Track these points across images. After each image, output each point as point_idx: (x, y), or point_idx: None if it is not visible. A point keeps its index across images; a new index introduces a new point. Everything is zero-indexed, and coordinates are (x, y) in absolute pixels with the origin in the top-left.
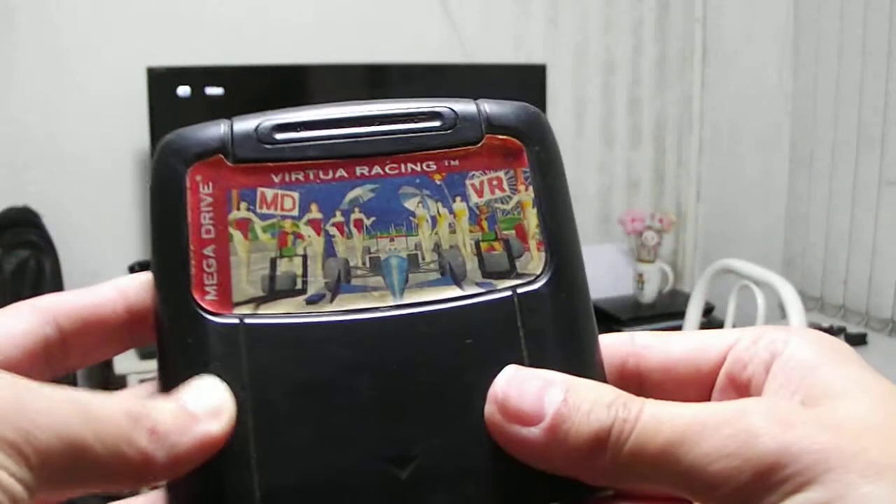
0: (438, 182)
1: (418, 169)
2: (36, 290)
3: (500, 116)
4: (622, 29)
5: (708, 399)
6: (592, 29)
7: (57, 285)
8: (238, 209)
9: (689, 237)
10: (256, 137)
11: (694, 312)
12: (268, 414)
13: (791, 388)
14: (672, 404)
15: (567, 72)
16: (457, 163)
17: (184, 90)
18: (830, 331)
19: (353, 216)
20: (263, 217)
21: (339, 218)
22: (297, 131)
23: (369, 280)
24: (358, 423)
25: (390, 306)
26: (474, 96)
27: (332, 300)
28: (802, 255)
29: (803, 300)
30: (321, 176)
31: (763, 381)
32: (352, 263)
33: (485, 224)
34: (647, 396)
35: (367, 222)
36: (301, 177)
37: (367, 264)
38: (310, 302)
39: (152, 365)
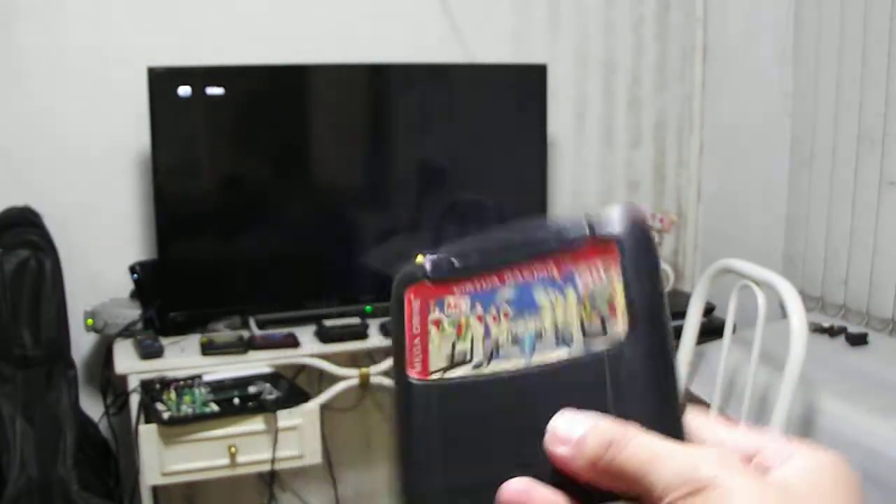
0: (557, 279)
1: (544, 273)
2: (36, 289)
3: (598, 225)
4: (622, 29)
5: None
6: (593, 29)
7: (57, 285)
8: (433, 312)
9: (690, 237)
10: (442, 265)
11: (694, 312)
12: (450, 435)
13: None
14: (652, 438)
15: (567, 72)
16: (569, 263)
17: (184, 90)
18: (831, 330)
19: (503, 309)
20: (448, 315)
21: (493, 311)
22: (466, 257)
23: (511, 351)
24: (503, 441)
25: (524, 367)
26: (475, 96)
27: (488, 365)
28: (803, 254)
29: (804, 300)
30: (482, 285)
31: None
32: (500, 341)
33: (587, 304)
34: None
35: (511, 312)
36: (469, 287)
37: (511, 340)
38: (475, 367)
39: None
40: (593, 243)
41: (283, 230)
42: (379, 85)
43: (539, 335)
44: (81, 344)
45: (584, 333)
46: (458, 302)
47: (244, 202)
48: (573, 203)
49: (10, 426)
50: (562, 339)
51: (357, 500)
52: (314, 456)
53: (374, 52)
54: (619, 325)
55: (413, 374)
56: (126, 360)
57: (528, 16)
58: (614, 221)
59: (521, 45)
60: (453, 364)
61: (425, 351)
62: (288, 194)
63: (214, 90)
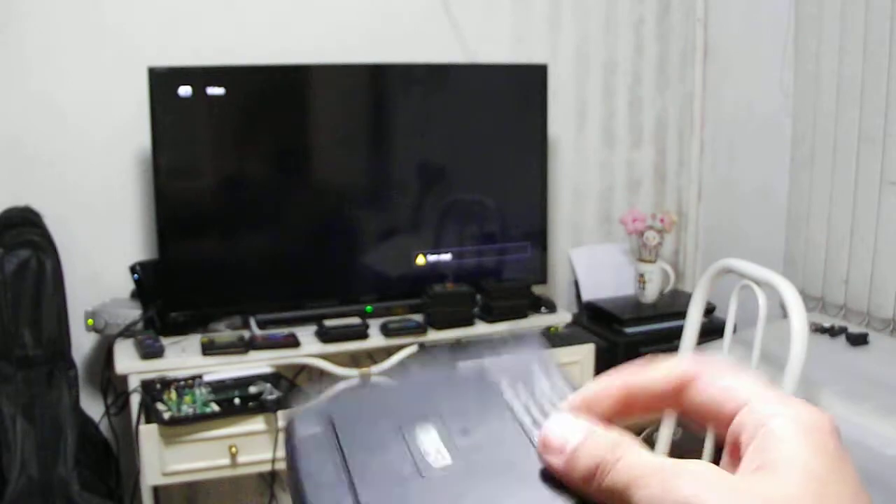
0: None
1: None
2: (37, 289)
3: None
4: (623, 28)
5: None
6: (593, 29)
7: (58, 285)
8: None
9: (691, 237)
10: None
11: (695, 312)
12: None
13: (753, 460)
14: (640, 456)
15: (568, 72)
16: None
17: (185, 90)
18: (832, 330)
19: None
20: None
21: None
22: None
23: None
24: None
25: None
26: (475, 96)
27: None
28: (803, 254)
29: (804, 300)
30: None
31: (748, 446)
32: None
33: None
34: (686, 421)
35: None
36: None
37: None
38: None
39: (152, 365)
40: None
41: (284, 230)
42: (379, 85)
43: None
44: (82, 344)
45: None
46: None
47: (245, 202)
48: (574, 203)
49: (11, 426)
50: None
51: None
52: None
53: (374, 52)
54: None
55: None
56: (127, 360)
57: (529, 16)
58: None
59: (522, 45)
60: None
61: None
62: (288, 194)
63: (215, 90)
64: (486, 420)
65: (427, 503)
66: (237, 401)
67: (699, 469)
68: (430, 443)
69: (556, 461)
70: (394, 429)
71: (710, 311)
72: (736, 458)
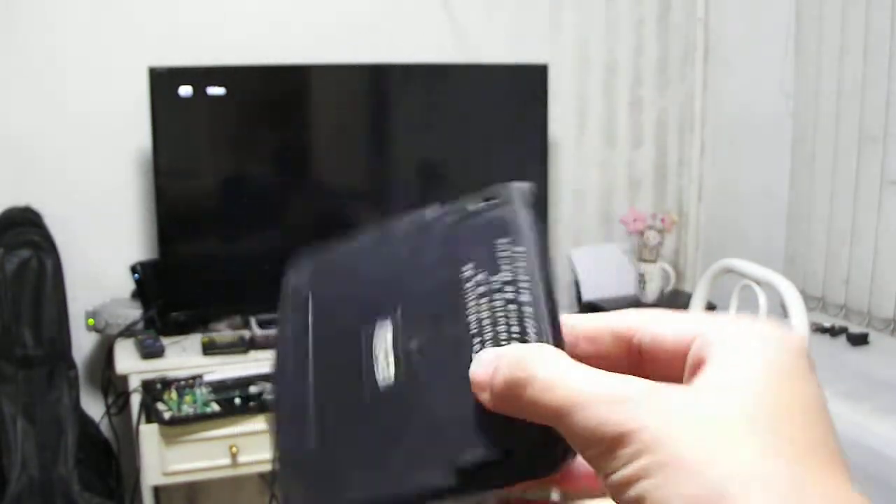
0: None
1: None
2: (37, 289)
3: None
4: (623, 28)
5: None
6: (594, 28)
7: (58, 285)
8: None
9: (691, 237)
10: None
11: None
12: None
13: (700, 375)
14: (562, 373)
15: (568, 72)
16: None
17: (185, 90)
18: (832, 330)
19: None
20: None
21: None
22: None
23: None
24: None
25: None
26: (476, 96)
27: None
28: (804, 254)
29: (805, 300)
30: None
31: (704, 366)
32: None
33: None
34: (646, 367)
35: None
36: None
37: None
38: None
39: (152, 365)
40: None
41: (284, 229)
42: (379, 85)
43: None
44: (82, 344)
45: None
46: None
47: (245, 202)
48: (574, 203)
49: (12, 426)
50: None
51: None
52: None
53: (375, 52)
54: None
55: None
56: (127, 360)
57: (529, 16)
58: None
59: (522, 45)
60: None
61: None
62: (289, 194)
63: (215, 90)
64: (440, 327)
65: (363, 422)
66: (238, 401)
67: (644, 393)
68: (382, 346)
69: (485, 397)
70: (357, 318)
71: (710, 310)
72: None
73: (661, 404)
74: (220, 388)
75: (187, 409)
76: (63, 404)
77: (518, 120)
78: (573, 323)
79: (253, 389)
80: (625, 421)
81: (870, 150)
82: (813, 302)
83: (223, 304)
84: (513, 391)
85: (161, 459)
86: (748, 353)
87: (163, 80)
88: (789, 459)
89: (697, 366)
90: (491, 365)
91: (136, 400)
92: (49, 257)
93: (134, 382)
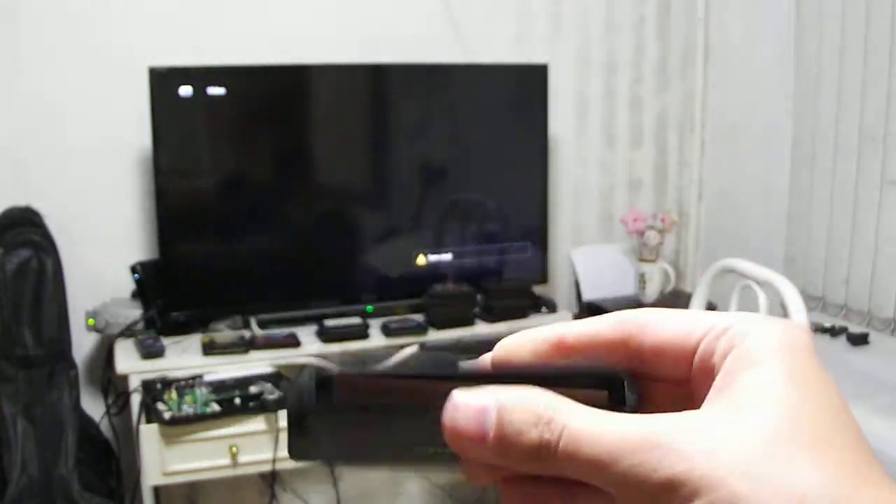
0: None
1: None
2: (38, 289)
3: None
4: (624, 28)
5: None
6: (594, 28)
7: (58, 285)
8: None
9: (691, 237)
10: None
11: None
12: None
13: (725, 391)
14: (594, 423)
15: (568, 71)
16: None
17: (185, 90)
18: (832, 330)
19: None
20: None
21: None
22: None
23: None
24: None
25: None
26: (476, 96)
27: None
28: (804, 254)
29: (805, 300)
30: None
31: (719, 370)
32: None
33: None
34: (646, 369)
35: None
36: None
37: None
38: None
39: (153, 365)
40: None
41: (285, 230)
42: (379, 85)
43: None
44: (83, 344)
45: None
46: None
47: (245, 202)
48: (574, 203)
49: (12, 426)
50: None
51: (358, 500)
52: None
53: (375, 52)
54: None
55: None
56: (127, 360)
57: (530, 15)
58: None
59: (522, 44)
60: None
61: None
62: (289, 194)
63: (215, 90)
64: None
65: None
66: (238, 401)
67: (673, 434)
68: None
69: (483, 449)
70: None
71: (710, 310)
72: (705, 387)
73: (703, 442)
74: (220, 388)
75: (187, 409)
76: (63, 404)
77: (518, 120)
78: (562, 332)
79: (253, 389)
80: (672, 464)
81: (870, 150)
82: (813, 302)
83: (223, 304)
84: (537, 448)
85: (161, 459)
86: (769, 362)
87: (163, 80)
88: (835, 472)
89: (713, 373)
90: (481, 412)
91: (136, 400)
92: (49, 257)
93: (134, 382)
